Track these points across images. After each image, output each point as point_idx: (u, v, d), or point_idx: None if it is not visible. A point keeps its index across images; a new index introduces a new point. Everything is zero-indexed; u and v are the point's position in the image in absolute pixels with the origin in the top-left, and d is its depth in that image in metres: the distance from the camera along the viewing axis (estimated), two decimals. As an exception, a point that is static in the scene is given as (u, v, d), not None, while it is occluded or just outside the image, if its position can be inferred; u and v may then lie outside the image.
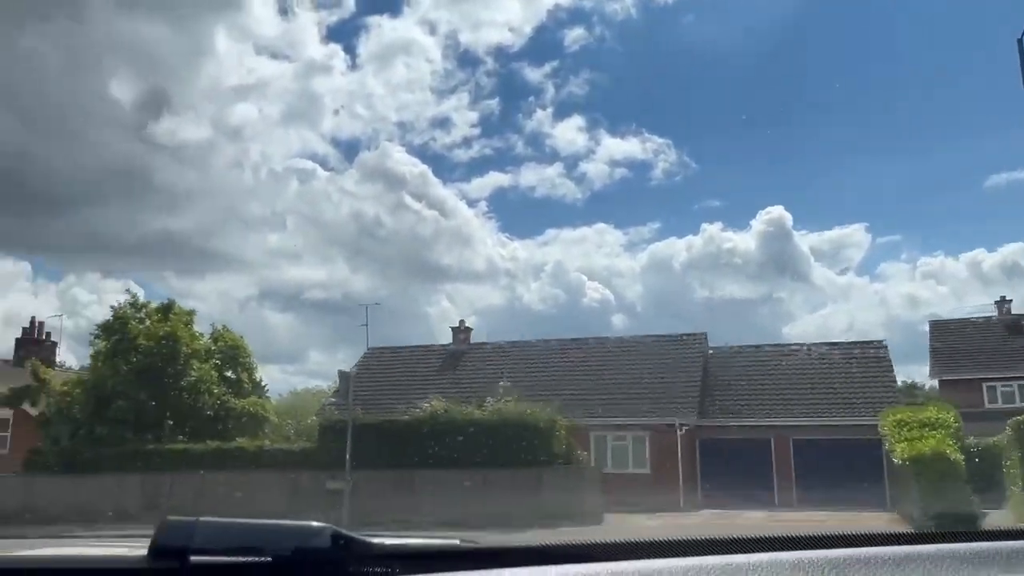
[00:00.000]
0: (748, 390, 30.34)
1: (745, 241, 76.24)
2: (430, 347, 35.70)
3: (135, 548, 1.50)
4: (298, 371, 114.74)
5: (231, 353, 28.84)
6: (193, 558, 1.29)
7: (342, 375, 24.41)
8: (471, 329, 35.56)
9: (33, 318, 38.73)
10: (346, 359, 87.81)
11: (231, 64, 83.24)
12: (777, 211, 71.14)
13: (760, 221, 71.84)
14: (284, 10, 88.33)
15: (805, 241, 76.49)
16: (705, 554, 1.50)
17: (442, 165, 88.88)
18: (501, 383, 27.36)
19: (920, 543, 1.63)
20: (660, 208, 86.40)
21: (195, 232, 78.25)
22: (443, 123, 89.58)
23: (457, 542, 1.62)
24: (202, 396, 26.35)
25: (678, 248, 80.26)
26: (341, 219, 79.59)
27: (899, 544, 1.61)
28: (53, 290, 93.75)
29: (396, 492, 21.87)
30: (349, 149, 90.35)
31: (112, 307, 26.85)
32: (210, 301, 78.62)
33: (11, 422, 33.86)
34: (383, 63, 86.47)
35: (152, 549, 1.31)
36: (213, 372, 26.98)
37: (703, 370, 30.94)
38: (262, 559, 1.31)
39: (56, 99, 70.75)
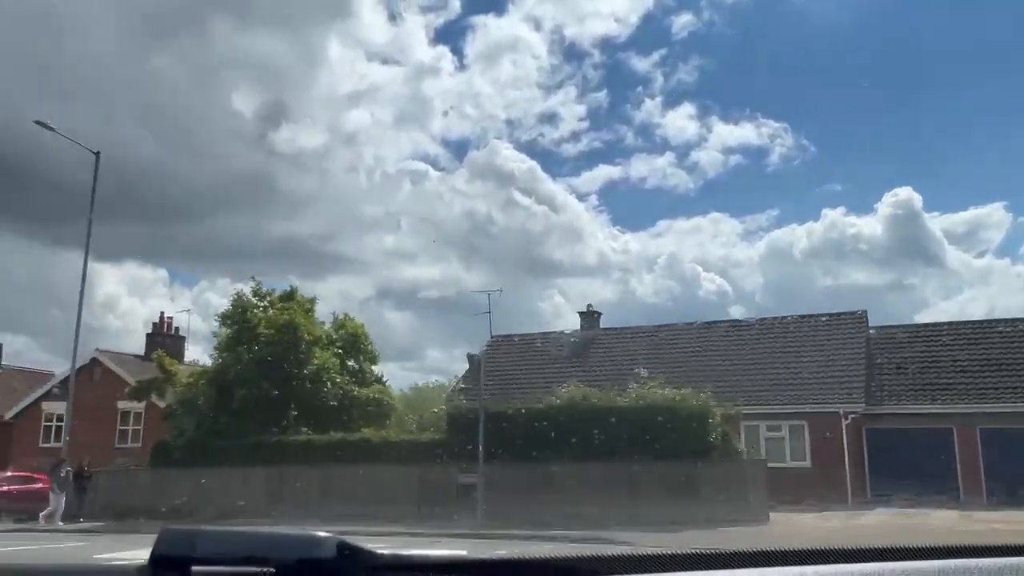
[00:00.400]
0: (922, 373, 26.63)
1: (870, 225, 71.20)
2: (557, 333, 33.52)
3: (135, 558, 1.49)
4: (416, 368, 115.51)
5: (352, 341, 27.56)
6: (195, 568, 1.24)
7: (471, 358, 22.62)
8: (600, 313, 33.20)
9: (162, 313, 39.14)
10: (463, 355, 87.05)
11: (344, 72, 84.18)
12: (905, 193, 66.11)
13: (886, 204, 67.25)
14: (393, 16, 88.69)
15: (937, 223, 70.70)
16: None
17: (551, 160, 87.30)
18: (638, 369, 24.97)
19: None
20: (778, 194, 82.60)
21: (315, 236, 79.65)
22: (551, 118, 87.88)
23: (464, 553, 1.51)
24: (324, 385, 25.11)
25: (798, 235, 75.97)
26: (453, 218, 79.18)
27: None
28: (188, 295, 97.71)
29: (531, 487, 19.77)
30: (459, 149, 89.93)
31: (233, 296, 26.03)
32: (332, 302, 79.58)
33: (143, 416, 34.08)
34: (490, 62, 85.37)
35: (152, 559, 1.26)
36: (335, 360, 25.72)
37: (866, 352, 27.43)
38: (265, 569, 1.26)
39: (185, 115, 73.13)
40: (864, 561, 1.49)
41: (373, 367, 28.13)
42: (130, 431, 34.12)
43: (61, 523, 22.19)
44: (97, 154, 26.16)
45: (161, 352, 28.28)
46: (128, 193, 66.61)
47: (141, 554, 1.35)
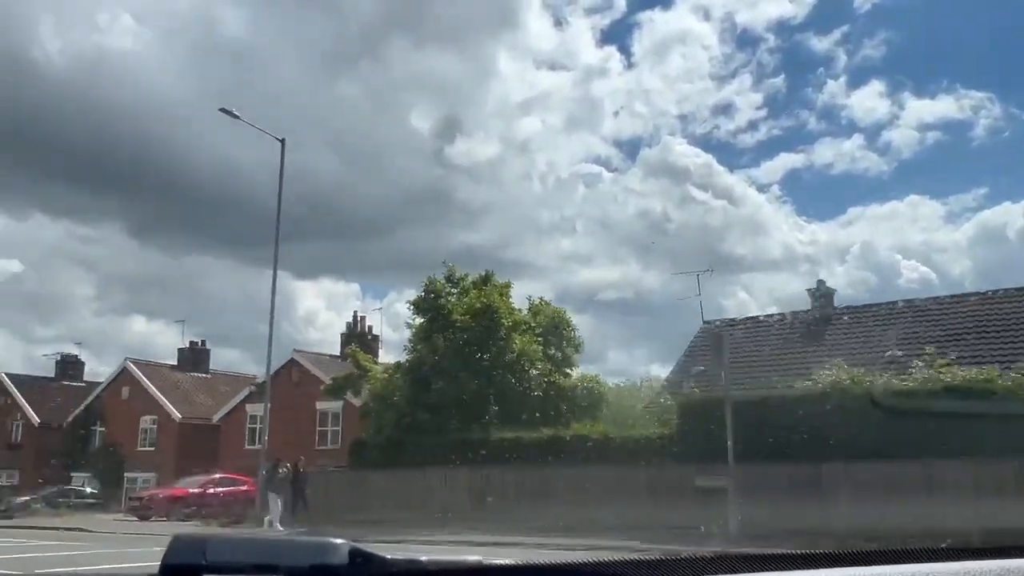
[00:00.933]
0: None
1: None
2: (786, 313, 28.87)
3: (146, 565, 1.49)
4: (598, 371, 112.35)
5: (552, 327, 24.59)
6: (205, 575, 1.22)
7: (710, 334, 18.87)
8: (834, 290, 28.27)
9: (355, 312, 38.35)
10: (644, 356, 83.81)
11: (514, 81, 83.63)
12: None
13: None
14: (559, 21, 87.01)
15: None
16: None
17: (728, 152, 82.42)
18: (926, 348, 20.24)
19: None
20: (986, 171, 73.81)
21: (493, 243, 79.43)
22: (726, 109, 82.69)
23: (479, 559, 1.48)
24: (526, 374, 22.31)
25: (1013, 214, 66.41)
26: (628, 218, 76.21)
27: None
28: (376, 306, 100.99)
29: (792, 491, 15.79)
30: (631, 148, 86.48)
31: (425, 282, 23.77)
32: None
33: (341, 416, 33.05)
34: (659, 57, 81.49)
35: (163, 566, 1.25)
36: (536, 346, 22.84)
37: None
38: None
39: (367, 136, 75.62)
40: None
41: (576, 354, 25.06)
42: (329, 432, 33.16)
43: (280, 527, 20.59)
44: (282, 141, 25.00)
45: (355, 347, 26.66)
46: (319, 214, 69.74)
47: None
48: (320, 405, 33.06)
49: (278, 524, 20.30)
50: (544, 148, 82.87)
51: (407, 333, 24.01)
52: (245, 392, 35.37)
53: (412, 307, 23.64)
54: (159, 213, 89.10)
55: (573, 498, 18.19)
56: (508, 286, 24.28)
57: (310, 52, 76.52)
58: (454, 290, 23.84)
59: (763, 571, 1.45)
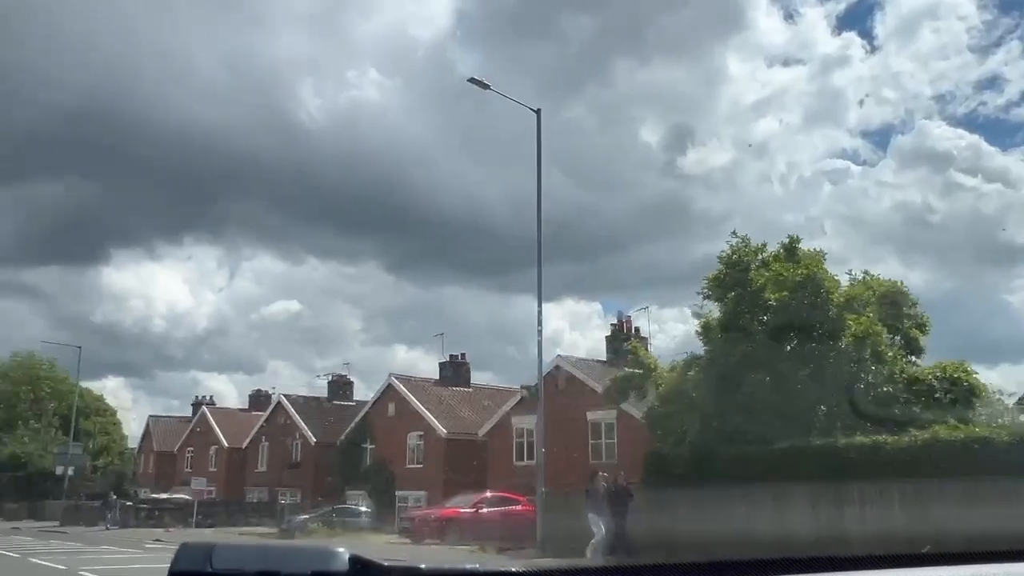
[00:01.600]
0: None
1: None
2: None
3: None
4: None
5: (890, 303, 19.06)
6: None
7: None
8: None
9: (619, 312, 34.73)
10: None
11: (745, 83, 77.59)
12: None
13: None
14: (789, 15, 79.56)
15: None
16: None
17: (998, 130, 69.60)
18: None
19: None
20: None
21: None
22: (992, 82, 70.35)
23: (477, 566, 1.50)
24: (868, 364, 17.09)
25: None
26: (883, 214, 66.87)
27: None
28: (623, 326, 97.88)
29: None
30: (880, 138, 76.53)
31: (724, 253, 19.28)
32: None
33: (615, 427, 29.34)
34: (907, 36, 71.64)
35: (171, 573, 1.28)
36: (879, 327, 17.50)
37: None
38: None
39: (598, 155, 73.83)
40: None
41: (922, 336, 19.28)
42: (603, 444, 29.49)
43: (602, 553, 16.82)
44: (538, 112, 21.94)
45: (636, 342, 22.75)
46: (559, 236, 68.63)
47: None
48: (592, 415, 29.56)
49: (601, 552, 16.48)
50: (783, 148, 75.91)
51: (672, 337, 19.78)
52: (515, 400, 32.75)
53: (707, 289, 19.27)
54: (411, 249, 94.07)
55: (973, 525, 12.83)
56: (822, 254, 19.09)
57: (537, 82, 76.28)
58: (755, 259, 19.14)
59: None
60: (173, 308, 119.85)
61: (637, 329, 33.88)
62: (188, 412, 62.31)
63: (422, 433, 36.90)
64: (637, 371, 21.58)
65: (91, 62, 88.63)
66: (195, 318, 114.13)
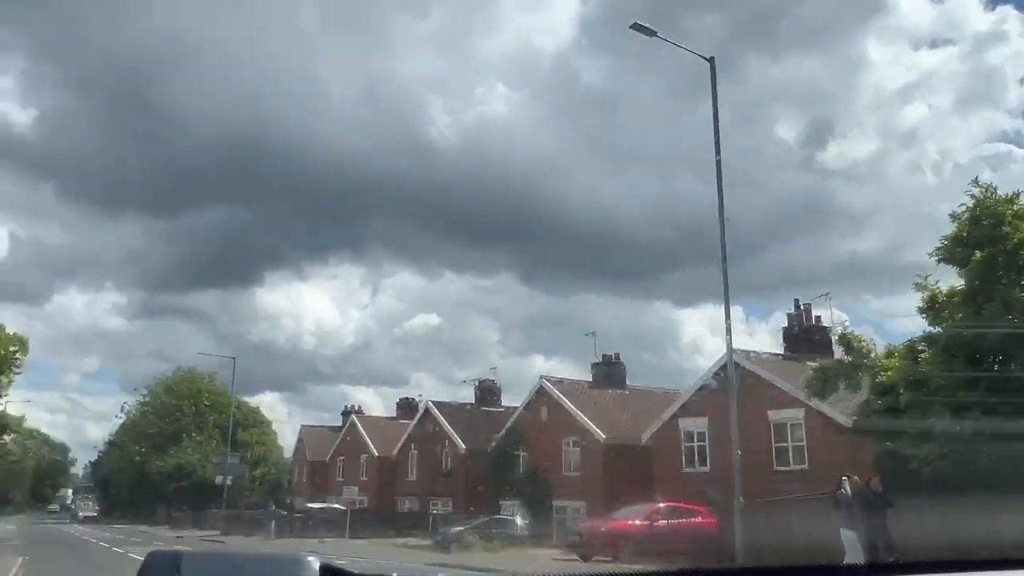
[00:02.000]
0: None
1: None
2: None
3: None
4: None
5: None
6: None
7: None
8: None
9: (796, 300, 30.94)
10: None
11: (888, 69, 71.31)
12: None
13: None
14: None
15: None
16: None
17: None
18: None
19: None
20: None
21: (883, 248, 67.64)
22: None
23: (444, 573, 1.85)
24: None
25: None
26: None
27: None
28: (764, 327, 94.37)
29: None
30: None
31: (956, 213, 15.60)
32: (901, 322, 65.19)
33: (802, 427, 25.66)
34: None
35: None
36: None
37: None
38: None
39: (731, 155, 70.66)
40: None
41: None
42: (790, 448, 25.85)
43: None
44: (711, 60, 18.97)
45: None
46: (693, 242, 65.49)
47: None
48: (774, 415, 26.00)
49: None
50: (934, 135, 68.70)
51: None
52: (680, 402, 29.59)
53: (941, 252, 15.63)
54: (544, 259, 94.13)
55: None
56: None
57: (666, 85, 73.57)
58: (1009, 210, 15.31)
59: None
60: (321, 325, 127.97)
61: (818, 318, 29.98)
62: (339, 421, 62.62)
63: (578, 439, 34.28)
64: (845, 359, 18.10)
65: (238, 98, 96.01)
66: (342, 334, 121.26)
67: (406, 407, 52.89)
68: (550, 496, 34.68)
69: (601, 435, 32.97)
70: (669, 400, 38.11)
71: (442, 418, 42.59)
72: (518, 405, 38.89)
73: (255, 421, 77.18)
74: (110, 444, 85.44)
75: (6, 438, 56.82)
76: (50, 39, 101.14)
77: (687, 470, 29.09)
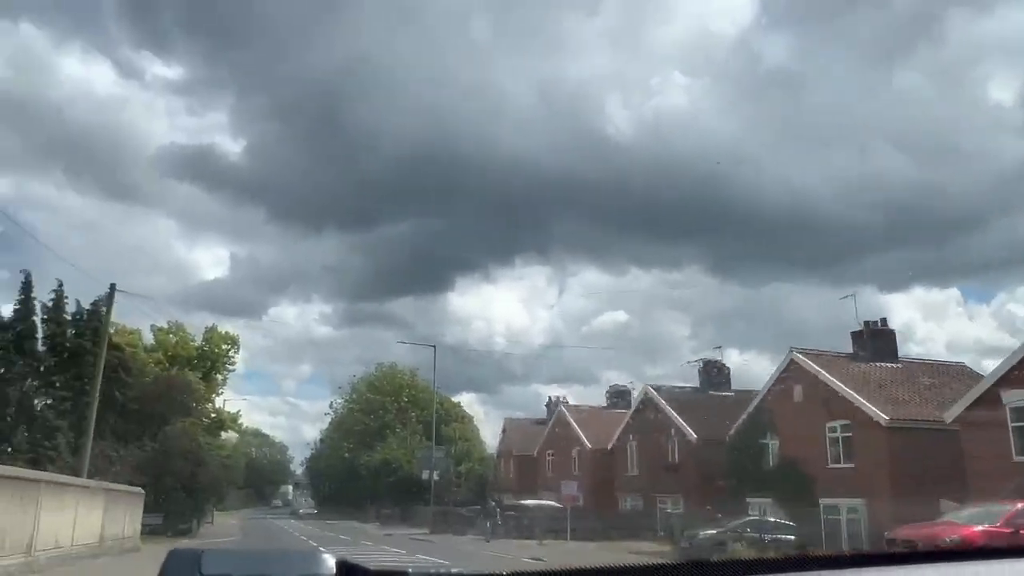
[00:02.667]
0: None
1: None
2: None
3: None
4: None
5: None
6: None
7: None
8: None
9: None
10: None
11: None
12: None
13: None
14: None
15: None
16: None
17: None
18: None
19: None
20: None
21: None
22: None
23: (460, 570, 1.62)
24: None
25: None
26: None
27: None
28: (985, 311, 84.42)
29: None
30: None
31: None
32: None
33: None
34: None
35: None
36: None
37: None
38: None
39: (938, 124, 61.73)
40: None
41: None
42: None
43: None
44: None
45: None
46: (898, 221, 57.47)
47: None
48: None
49: None
50: None
51: None
52: (1017, 355, 22.07)
53: None
54: (734, 249, 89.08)
55: None
56: None
57: (858, 55, 65.65)
58: None
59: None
60: (510, 326, 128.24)
61: None
62: (541, 414, 58.71)
63: (848, 422, 27.48)
64: None
65: (420, 112, 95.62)
66: (531, 334, 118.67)
67: (618, 396, 47.69)
68: (813, 492, 28.08)
69: (883, 416, 26.01)
70: (958, 372, 30.33)
71: (665, 404, 36.94)
72: (764, 384, 32.44)
73: (457, 416, 75.18)
74: (321, 442, 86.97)
75: (224, 435, 57.85)
76: (252, 74, 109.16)
77: (1020, 458, 21.72)
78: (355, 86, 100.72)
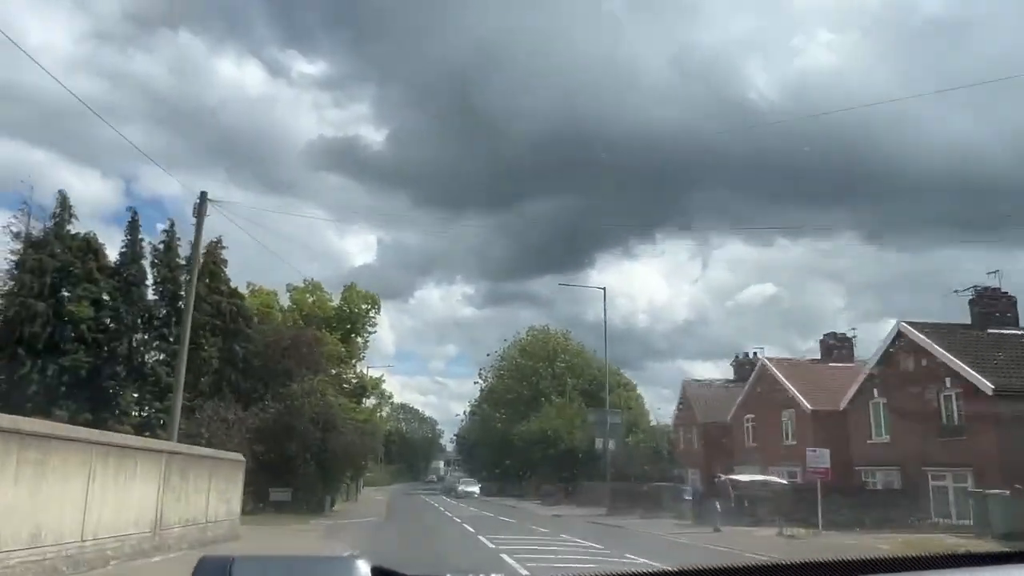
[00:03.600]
0: None
1: None
2: None
3: None
4: None
5: None
6: None
7: None
8: None
9: None
10: None
11: None
12: None
13: None
14: None
15: None
16: None
17: None
18: None
19: None
20: None
21: None
22: None
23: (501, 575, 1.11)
24: None
25: None
26: None
27: None
28: None
29: None
30: None
31: None
32: None
33: None
34: None
35: None
36: None
37: None
38: None
39: None
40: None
41: None
42: None
43: None
44: None
45: None
46: None
47: None
48: None
49: None
50: None
51: None
52: None
53: None
54: (891, 214, 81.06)
55: None
56: None
57: None
58: None
59: None
60: (653, 302, 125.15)
61: None
62: (727, 375, 49.32)
63: None
64: None
65: (554, 89, 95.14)
66: (674, 309, 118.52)
67: (837, 344, 37.41)
68: None
69: None
70: None
71: (936, 345, 26.60)
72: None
73: (618, 383, 66.62)
74: (472, 414, 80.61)
75: (367, 402, 51.91)
76: (391, 65, 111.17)
77: None
78: (489, 68, 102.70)
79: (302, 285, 49.44)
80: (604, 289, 39.01)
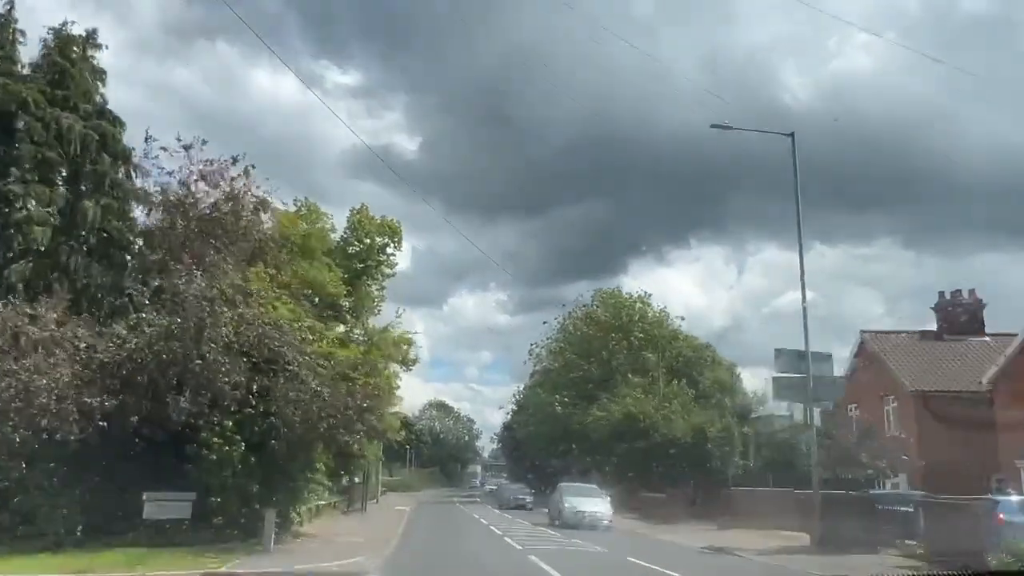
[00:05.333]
0: None
1: None
2: None
3: None
4: None
5: None
6: None
7: None
8: None
9: None
10: None
11: None
12: None
13: None
14: None
15: None
16: None
17: None
18: None
19: None
20: None
21: None
22: None
23: None
24: None
25: None
26: None
27: None
28: None
29: None
30: None
31: None
32: None
33: None
34: None
35: None
36: None
37: None
38: None
39: None
40: None
41: None
42: None
43: None
44: None
45: None
46: None
47: None
48: None
49: None
50: None
51: None
52: None
53: None
54: (931, 219, 77.07)
55: None
56: None
57: None
58: None
59: None
60: (689, 309, 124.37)
61: None
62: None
63: None
64: None
65: (585, 96, 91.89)
66: (710, 316, 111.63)
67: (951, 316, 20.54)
68: None
69: None
70: None
71: None
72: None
73: (713, 359, 49.99)
74: (518, 408, 64.17)
75: (388, 369, 35.91)
76: (423, 74, 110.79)
77: None
78: (520, 76, 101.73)
79: (292, 208, 32.76)
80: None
